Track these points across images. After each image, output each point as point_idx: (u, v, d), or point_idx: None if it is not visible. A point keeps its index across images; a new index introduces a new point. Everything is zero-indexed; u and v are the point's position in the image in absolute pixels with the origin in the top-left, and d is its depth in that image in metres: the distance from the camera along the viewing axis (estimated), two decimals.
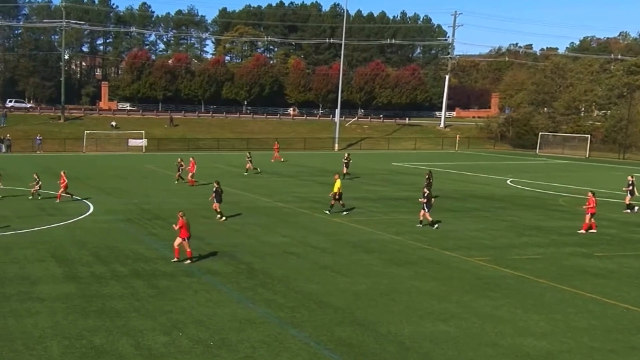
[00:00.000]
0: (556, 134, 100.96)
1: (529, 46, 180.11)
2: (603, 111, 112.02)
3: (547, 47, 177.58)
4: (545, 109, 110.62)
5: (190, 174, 49.11)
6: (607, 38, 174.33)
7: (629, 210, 39.14)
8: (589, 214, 32.36)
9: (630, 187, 39.72)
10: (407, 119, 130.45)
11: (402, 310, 19.34)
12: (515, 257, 26.59)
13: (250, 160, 59.35)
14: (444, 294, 21.13)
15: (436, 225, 32.52)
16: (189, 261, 24.63)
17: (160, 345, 16.23)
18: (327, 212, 37.01)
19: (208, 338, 16.78)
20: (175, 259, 24.76)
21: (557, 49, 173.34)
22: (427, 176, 44.25)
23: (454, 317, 18.76)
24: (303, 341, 16.74)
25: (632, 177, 40.97)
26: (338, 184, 36.91)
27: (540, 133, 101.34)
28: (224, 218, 34.25)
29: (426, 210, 32.59)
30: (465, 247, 28.27)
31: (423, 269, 24.41)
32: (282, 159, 72.49)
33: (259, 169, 59.30)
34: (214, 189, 34.80)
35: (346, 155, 59.93)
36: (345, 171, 56.49)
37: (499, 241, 29.89)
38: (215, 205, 34.54)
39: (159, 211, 36.16)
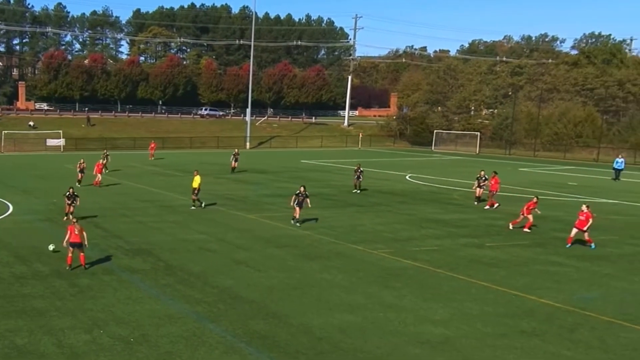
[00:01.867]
0: (449, 132, 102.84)
1: (424, 48, 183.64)
2: (491, 110, 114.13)
3: (439, 50, 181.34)
4: (439, 108, 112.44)
5: (97, 176, 46.33)
6: (493, 41, 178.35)
7: (476, 203, 40.10)
8: (527, 215, 31.91)
9: (484, 182, 40.49)
10: (313, 117, 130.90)
11: (312, 303, 19.42)
12: (415, 249, 27.03)
13: (105, 159, 55.03)
14: (351, 286, 21.31)
15: (295, 222, 32.12)
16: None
17: (82, 343, 15.84)
18: (193, 207, 36.81)
19: (129, 335, 16.47)
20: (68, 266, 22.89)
21: (448, 51, 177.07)
22: (356, 169, 45.96)
23: (360, 308, 18.95)
24: (220, 335, 16.63)
25: (483, 171, 41.96)
26: (198, 179, 36.72)
27: (435, 131, 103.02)
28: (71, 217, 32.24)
29: (300, 207, 32.10)
30: (370, 241, 28.58)
31: (331, 262, 24.56)
32: (152, 158, 71.16)
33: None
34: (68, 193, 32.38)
35: (236, 150, 60.35)
36: (234, 165, 57.35)
37: (400, 234, 30.31)
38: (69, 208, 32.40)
39: (79, 210, 35.12)
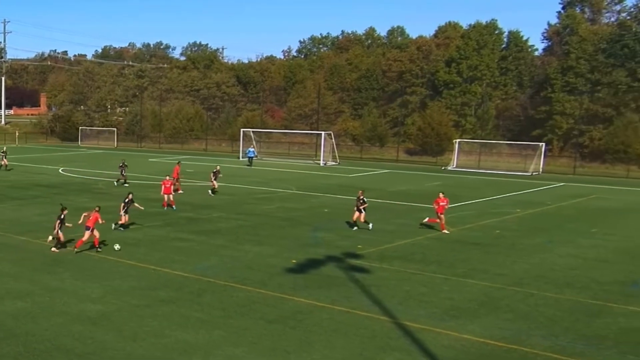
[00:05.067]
0: (92, 128, 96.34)
1: (65, 52, 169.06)
2: (123, 108, 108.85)
3: (79, 54, 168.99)
4: (82, 106, 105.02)
5: None
6: (121, 47, 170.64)
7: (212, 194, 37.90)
8: (441, 213, 26.48)
9: (218, 175, 38.43)
10: None
11: None
12: (71, 235, 25.34)
13: None
14: (19, 274, 19.67)
15: (118, 227, 26.81)
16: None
17: None
18: None
19: None
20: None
21: (86, 55, 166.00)
22: (121, 164, 41.83)
23: (29, 294, 17.61)
24: None
25: (218, 166, 40.75)
26: None
27: (80, 127, 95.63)
28: None
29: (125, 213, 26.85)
30: (33, 231, 26.26)
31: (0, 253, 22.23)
32: None
33: None
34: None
35: (4, 148, 52.85)
36: (4, 163, 50.29)
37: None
38: None
39: None
